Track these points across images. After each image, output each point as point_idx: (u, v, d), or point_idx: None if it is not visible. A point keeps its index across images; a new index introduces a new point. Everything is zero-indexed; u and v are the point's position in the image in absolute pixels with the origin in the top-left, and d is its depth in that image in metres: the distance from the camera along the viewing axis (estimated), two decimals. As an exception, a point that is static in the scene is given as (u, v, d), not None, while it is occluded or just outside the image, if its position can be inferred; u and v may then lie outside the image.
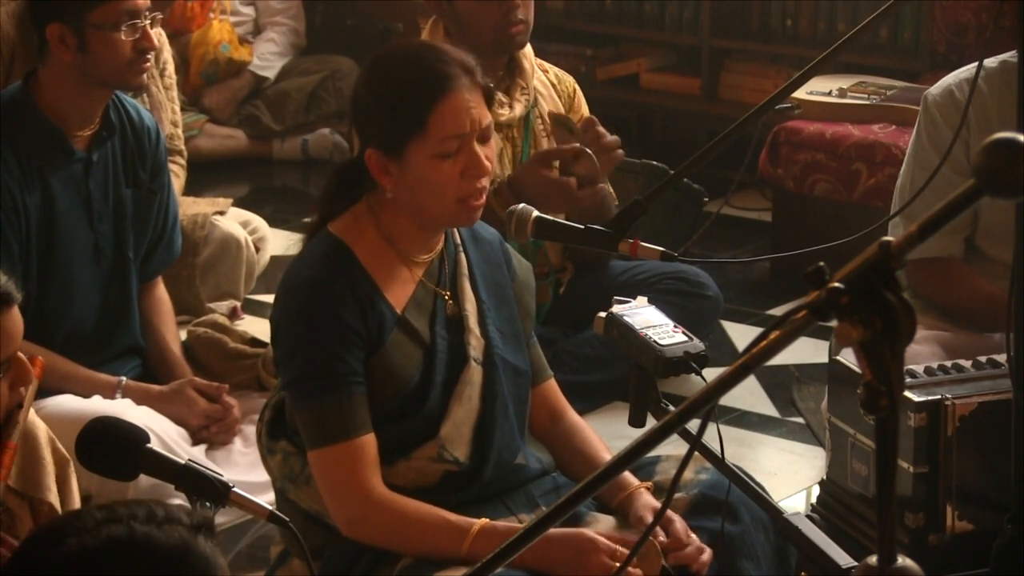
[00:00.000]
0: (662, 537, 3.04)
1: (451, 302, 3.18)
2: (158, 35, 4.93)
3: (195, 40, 7.09)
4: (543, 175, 4.28)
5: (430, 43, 4.10)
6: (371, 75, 3.11)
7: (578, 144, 4.34)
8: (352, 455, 3.04)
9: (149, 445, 2.63)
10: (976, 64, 3.94)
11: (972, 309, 3.95)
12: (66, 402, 3.87)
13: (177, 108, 5.25)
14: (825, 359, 3.82)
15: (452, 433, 3.12)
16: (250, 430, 3.85)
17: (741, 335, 5.27)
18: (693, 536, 3.07)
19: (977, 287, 3.96)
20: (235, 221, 5.25)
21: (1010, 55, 3.92)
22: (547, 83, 4.61)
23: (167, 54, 5.21)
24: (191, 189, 5.54)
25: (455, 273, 3.20)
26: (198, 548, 1.89)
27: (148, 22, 3.92)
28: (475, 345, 3.16)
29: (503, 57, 4.46)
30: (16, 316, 2.59)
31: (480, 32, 4.35)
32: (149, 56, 3.94)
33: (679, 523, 3.08)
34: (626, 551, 3.01)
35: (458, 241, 3.23)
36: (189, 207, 5.11)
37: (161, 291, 4.27)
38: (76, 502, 2.89)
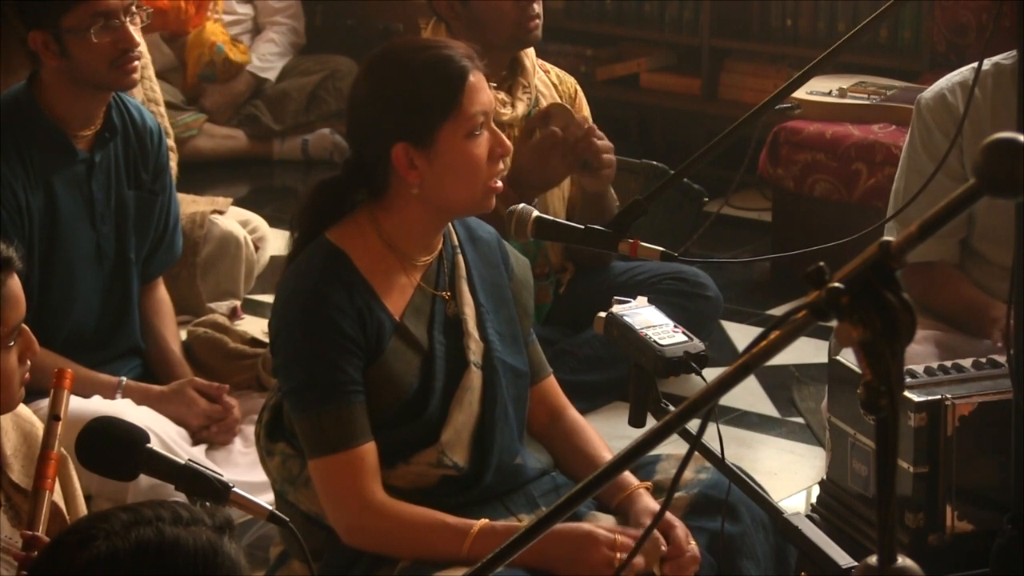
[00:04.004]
0: (664, 547, 3.03)
1: (451, 301, 3.18)
2: (155, 35, 4.91)
3: (190, 42, 7.09)
4: (529, 144, 4.32)
5: (425, 38, 4.13)
6: (384, 73, 3.09)
7: (543, 106, 4.43)
8: (351, 464, 3.04)
9: (149, 445, 2.63)
10: (971, 67, 3.96)
11: (954, 313, 3.96)
12: (66, 402, 3.86)
13: (161, 107, 5.22)
14: (825, 359, 3.82)
15: (452, 438, 3.12)
16: (250, 430, 3.85)
17: (741, 335, 5.27)
18: (692, 544, 3.07)
19: (959, 292, 3.96)
20: (234, 220, 5.25)
21: (1002, 57, 3.93)
22: (548, 83, 4.63)
23: (143, 47, 5.19)
24: (191, 189, 5.54)
25: (453, 275, 3.20)
26: (224, 549, 1.90)
27: (128, 19, 3.87)
28: (474, 349, 3.16)
29: (512, 54, 4.48)
30: (18, 283, 2.60)
31: (498, 29, 4.39)
32: (135, 54, 3.88)
33: (680, 529, 3.07)
34: (625, 538, 3.01)
35: (456, 242, 3.22)
36: (188, 206, 5.11)
37: (162, 292, 4.27)
38: (79, 498, 2.89)
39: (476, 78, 3.07)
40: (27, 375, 2.69)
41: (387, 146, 3.05)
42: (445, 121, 3.04)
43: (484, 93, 3.08)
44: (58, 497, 2.76)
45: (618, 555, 2.99)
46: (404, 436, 3.10)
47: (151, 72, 5.26)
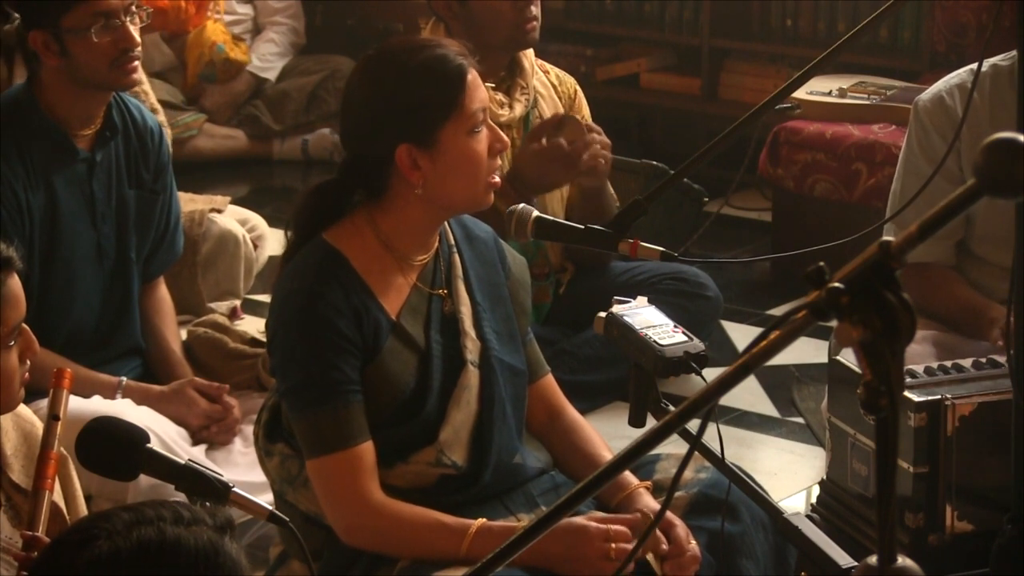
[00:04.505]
0: (664, 545, 3.03)
1: (448, 299, 3.18)
2: (155, 35, 4.90)
3: (190, 42, 7.09)
4: (534, 148, 4.33)
5: (416, 37, 4.13)
6: (381, 76, 3.08)
7: (542, 107, 4.42)
8: (349, 464, 3.04)
9: (149, 445, 2.63)
10: (968, 69, 3.96)
11: (950, 315, 3.96)
12: (66, 402, 3.86)
13: (145, 84, 5.20)
14: (825, 359, 3.82)
15: (450, 438, 3.12)
16: (250, 430, 3.84)
17: (741, 335, 5.27)
18: (693, 543, 3.07)
19: (955, 293, 3.96)
20: (233, 219, 5.26)
21: (999, 59, 3.92)
22: (548, 84, 4.63)
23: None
24: (191, 188, 5.54)
25: (450, 275, 3.20)
26: (226, 549, 1.90)
27: (128, 19, 3.88)
28: (471, 348, 3.16)
29: (510, 55, 4.49)
30: (18, 283, 2.60)
31: (495, 30, 4.38)
32: (135, 54, 3.89)
33: (681, 528, 3.07)
34: (619, 527, 3.00)
35: (452, 242, 3.22)
36: (186, 204, 5.10)
37: (162, 291, 4.27)
38: (80, 498, 2.89)
39: (473, 75, 3.07)
40: (26, 375, 2.69)
41: (390, 148, 3.05)
42: (447, 120, 3.04)
43: (481, 90, 3.09)
44: (58, 497, 2.75)
45: (614, 545, 2.99)
46: (402, 436, 3.10)
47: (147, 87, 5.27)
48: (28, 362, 2.66)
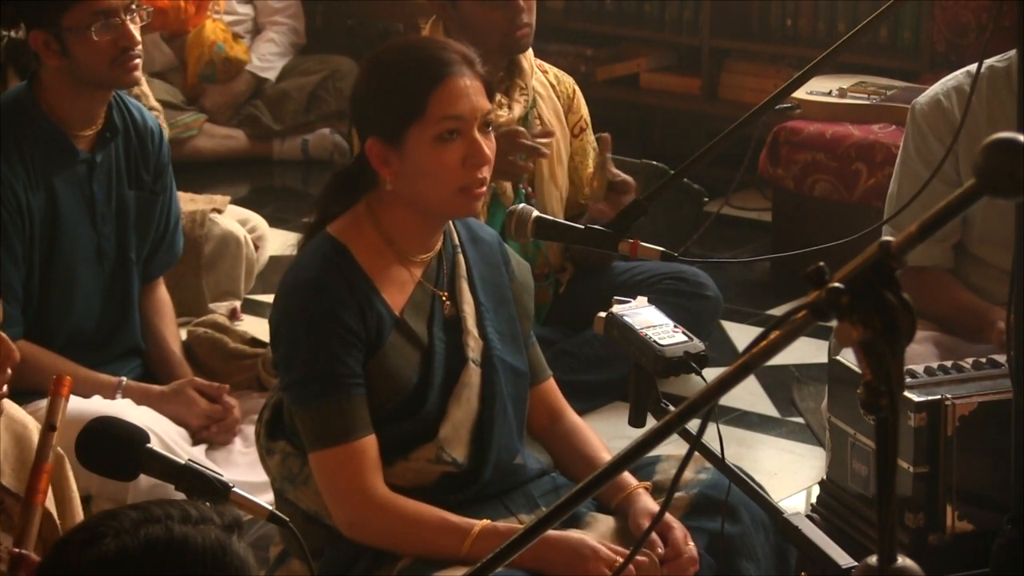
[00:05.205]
0: (660, 548, 3.03)
1: (448, 303, 3.18)
2: (155, 35, 4.90)
3: (190, 41, 7.09)
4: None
5: (430, 36, 4.12)
6: (371, 67, 3.12)
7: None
8: (352, 457, 3.04)
9: (149, 445, 2.62)
10: (965, 71, 3.95)
11: (951, 318, 3.95)
12: (66, 402, 3.86)
13: (143, 85, 5.21)
14: (825, 359, 3.82)
15: (450, 435, 3.12)
16: (250, 430, 3.85)
17: (741, 335, 5.27)
18: (691, 544, 3.06)
19: (955, 296, 3.96)
20: (234, 219, 5.26)
21: (995, 60, 3.92)
22: (546, 84, 4.62)
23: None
24: (191, 188, 5.54)
25: (453, 274, 3.20)
26: (233, 548, 1.90)
27: (128, 18, 3.89)
28: (473, 347, 3.16)
29: (506, 58, 4.47)
30: None
31: (486, 35, 4.36)
32: (135, 52, 3.89)
33: (679, 530, 3.07)
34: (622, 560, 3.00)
35: (456, 242, 3.23)
36: (186, 205, 5.10)
37: (162, 291, 4.27)
38: (75, 500, 2.88)
39: (461, 83, 3.03)
40: (6, 387, 2.63)
41: (364, 139, 3.07)
42: (412, 123, 3.03)
43: (464, 98, 3.03)
44: (50, 502, 2.74)
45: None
46: (403, 432, 3.10)
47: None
48: (8, 371, 2.62)
